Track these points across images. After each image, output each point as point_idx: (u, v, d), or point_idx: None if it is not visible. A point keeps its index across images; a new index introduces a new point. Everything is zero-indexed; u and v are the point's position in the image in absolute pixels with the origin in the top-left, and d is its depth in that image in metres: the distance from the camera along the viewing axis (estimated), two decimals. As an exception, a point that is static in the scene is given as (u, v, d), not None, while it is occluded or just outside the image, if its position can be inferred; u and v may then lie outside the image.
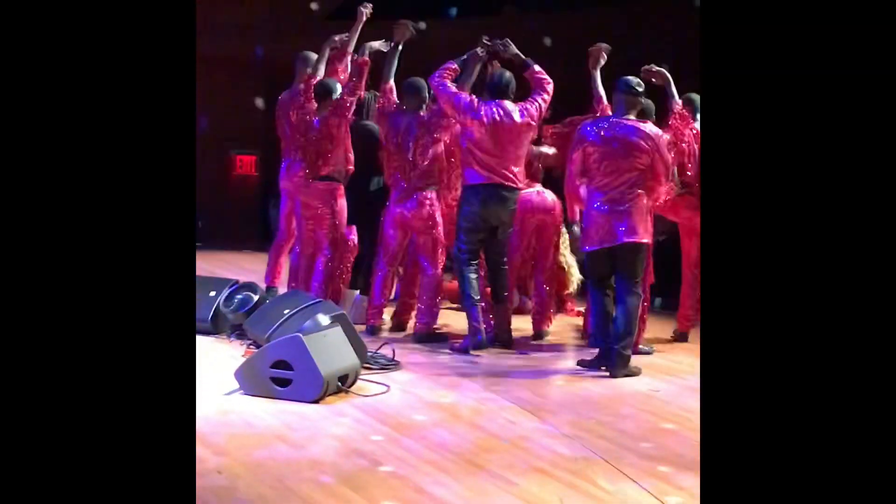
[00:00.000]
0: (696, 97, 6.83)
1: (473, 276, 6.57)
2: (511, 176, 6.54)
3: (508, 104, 6.54)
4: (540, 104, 6.59)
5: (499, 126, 6.48)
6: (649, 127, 6.08)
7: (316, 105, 7.11)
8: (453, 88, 6.55)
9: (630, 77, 6.14)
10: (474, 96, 6.57)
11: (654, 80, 6.77)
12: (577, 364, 6.15)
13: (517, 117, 6.51)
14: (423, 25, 7.21)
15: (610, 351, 6.02)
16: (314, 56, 7.45)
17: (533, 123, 6.60)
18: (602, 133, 6.02)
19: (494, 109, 6.50)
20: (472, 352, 6.43)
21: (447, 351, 6.51)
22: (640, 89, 6.08)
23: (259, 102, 9.68)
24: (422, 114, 6.80)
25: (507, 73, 6.66)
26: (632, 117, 6.04)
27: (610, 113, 6.44)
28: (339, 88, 7.09)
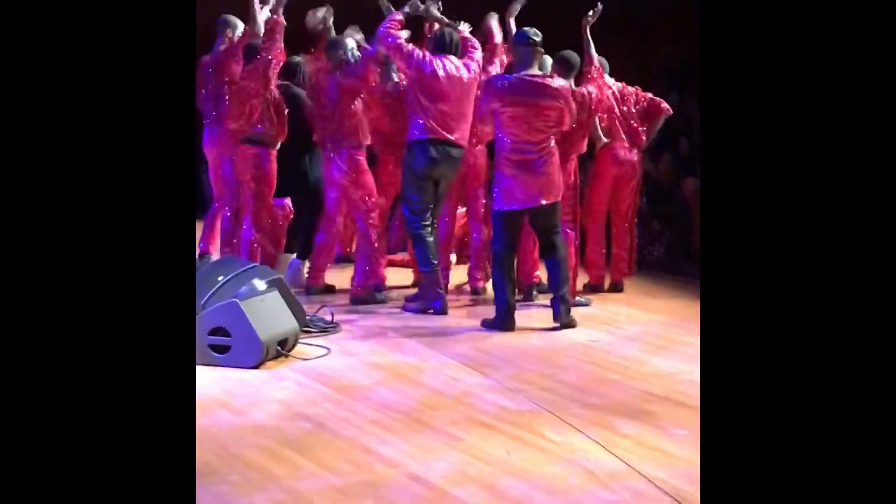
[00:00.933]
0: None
1: (431, 238, 6.50)
2: (459, 131, 6.47)
3: (455, 59, 6.47)
4: (475, 67, 6.53)
5: (451, 80, 6.39)
6: (556, 81, 6.09)
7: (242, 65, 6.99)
8: (402, 40, 6.43)
9: (527, 28, 6.09)
10: (424, 50, 6.49)
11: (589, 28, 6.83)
12: (481, 324, 6.09)
13: (465, 73, 6.45)
14: None
15: (554, 300, 6.07)
16: (235, 19, 7.30)
17: (477, 80, 6.52)
18: (508, 90, 5.96)
19: (445, 63, 6.41)
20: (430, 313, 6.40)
21: (386, 312, 6.47)
22: (538, 39, 6.02)
23: None
24: (338, 74, 6.69)
25: (455, 32, 6.59)
26: (535, 70, 6.02)
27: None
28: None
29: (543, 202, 5.98)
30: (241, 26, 7.28)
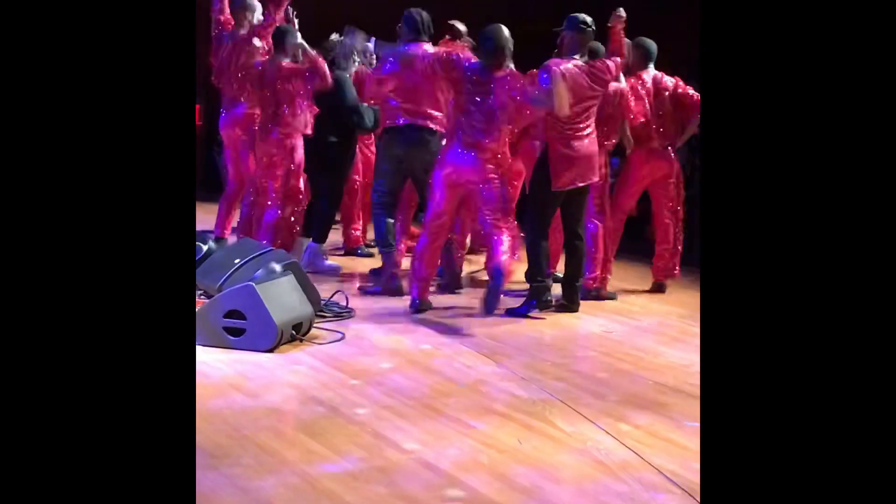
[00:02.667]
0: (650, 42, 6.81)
1: (391, 220, 6.58)
2: (431, 118, 6.46)
3: (427, 47, 6.42)
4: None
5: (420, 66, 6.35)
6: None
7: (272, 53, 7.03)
8: None
9: (579, 14, 6.05)
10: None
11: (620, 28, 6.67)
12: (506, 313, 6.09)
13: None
14: None
15: (573, 288, 6.15)
16: (254, 1, 7.32)
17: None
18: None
19: (416, 50, 6.37)
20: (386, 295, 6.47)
21: (399, 298, 6.49)
22: (589, 27, 6.01)
23: None
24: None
25: (425, 14, 6.51)
26: (579, 58, 6.01)
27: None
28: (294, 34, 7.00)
29: (580, 184, 6.04)
30: (259, 9, 7.30)
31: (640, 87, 6.74)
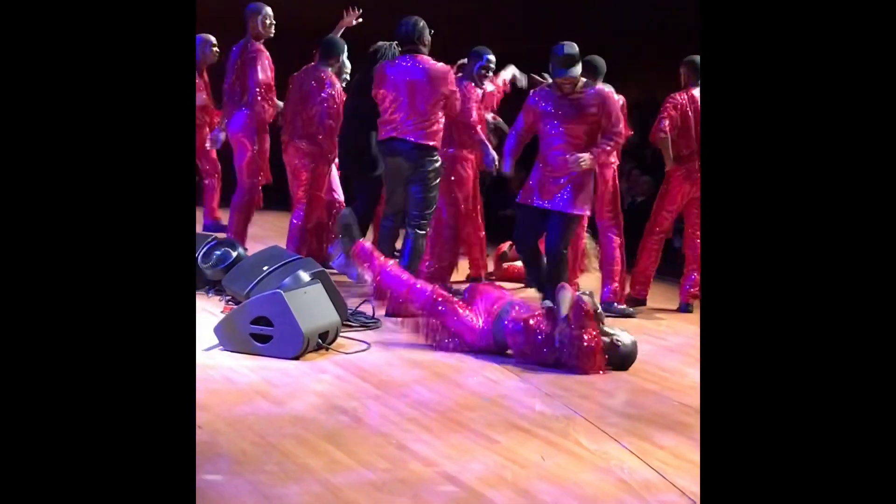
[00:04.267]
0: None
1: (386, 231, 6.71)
2: (407, 130, 6.42)
3: (421, 58, 6.43)
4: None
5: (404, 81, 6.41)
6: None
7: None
8: None
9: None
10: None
11: None
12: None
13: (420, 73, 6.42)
14: None
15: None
16: (264, 6, 7.40)
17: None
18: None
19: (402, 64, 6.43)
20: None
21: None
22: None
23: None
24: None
25: (421, 23, 6.48)
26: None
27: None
28: (344, 50, 7.11)
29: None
30: (270, 14, 7.37)
31: (688, 105, 6.76)
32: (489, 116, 7.40)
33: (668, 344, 6.03)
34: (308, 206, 7.21)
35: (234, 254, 6.51)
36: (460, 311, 5.42)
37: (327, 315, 5.30)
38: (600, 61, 6.82)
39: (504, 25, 9.57)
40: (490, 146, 7.05)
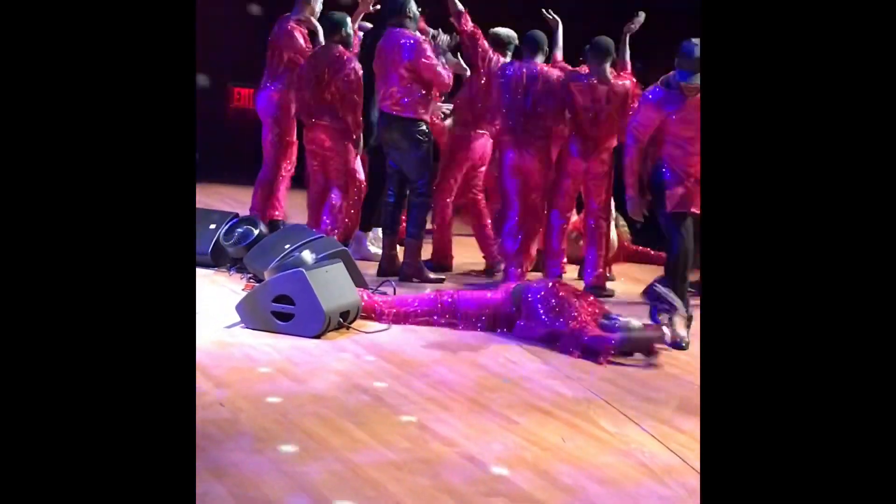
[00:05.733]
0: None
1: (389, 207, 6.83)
2: (388, 102, 6.58)
3: (401, 31, 6.54)
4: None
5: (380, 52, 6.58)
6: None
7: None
8: None
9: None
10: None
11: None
12: None
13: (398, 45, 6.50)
14: None
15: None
16: None
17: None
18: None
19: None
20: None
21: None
22: None
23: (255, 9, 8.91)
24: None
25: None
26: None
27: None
28: (347, 22, 7.01)
29: None
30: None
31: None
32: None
33: (690, 329, 6.00)
34: (346, 184, 7.18)
35: (256, 231, 6.52)
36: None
37: (348, 294, 5.30)
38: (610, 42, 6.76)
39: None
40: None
